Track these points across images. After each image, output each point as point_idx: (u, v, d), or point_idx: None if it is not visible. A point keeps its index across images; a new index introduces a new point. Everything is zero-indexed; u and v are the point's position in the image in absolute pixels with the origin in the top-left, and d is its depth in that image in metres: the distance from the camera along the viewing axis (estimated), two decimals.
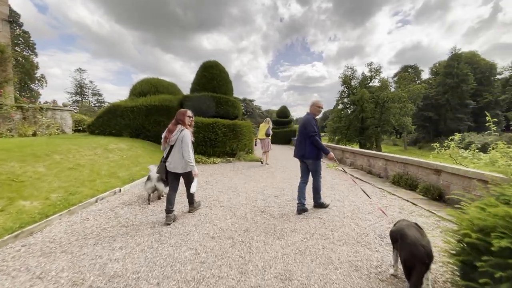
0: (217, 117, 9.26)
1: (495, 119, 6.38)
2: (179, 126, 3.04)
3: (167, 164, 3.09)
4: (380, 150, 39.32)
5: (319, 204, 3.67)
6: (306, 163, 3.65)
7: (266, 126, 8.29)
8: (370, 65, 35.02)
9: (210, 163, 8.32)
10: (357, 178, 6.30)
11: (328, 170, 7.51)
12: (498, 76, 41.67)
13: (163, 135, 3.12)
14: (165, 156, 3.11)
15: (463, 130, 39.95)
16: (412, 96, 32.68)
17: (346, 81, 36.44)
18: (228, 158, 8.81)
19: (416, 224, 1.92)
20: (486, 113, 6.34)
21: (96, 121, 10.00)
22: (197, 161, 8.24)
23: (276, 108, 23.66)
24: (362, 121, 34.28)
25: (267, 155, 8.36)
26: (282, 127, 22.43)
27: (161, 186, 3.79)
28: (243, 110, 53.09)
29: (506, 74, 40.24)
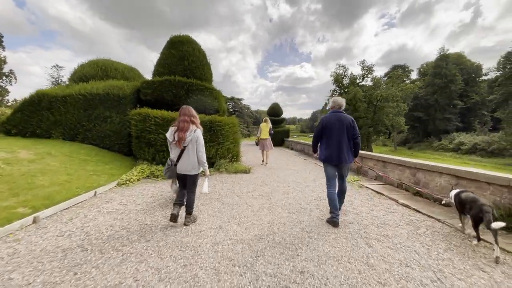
0: None
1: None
2: (192, 126, 2.83)
3: (178, 167, 2.87)
4: (371, 151, 38.29)
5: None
6: (340, 168, 3.11)
7: (268, 126, 7.92)
8: (363, 63, 33.73)
9: None
10: (403, 204, 3.92)
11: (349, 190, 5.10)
12: (484, 77, 42.20)
13: (169, 136, 2.86)
14: (174, 158, 2.88)
15: (451, 130, 40.01)
16: (404, 95, 31.79)
17: (338, 79, 34.94)
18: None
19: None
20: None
21: (13, 117, 6.91)
22: (154, 175, 5.51)
23: (265, 108, 20.97)
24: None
25: (268, 154, 8.11)
26: (274, 127, 19.91)
27: (175, 188, 3.32)
28: (231, 110, 50.35)
29: (492, 75, 40.75)
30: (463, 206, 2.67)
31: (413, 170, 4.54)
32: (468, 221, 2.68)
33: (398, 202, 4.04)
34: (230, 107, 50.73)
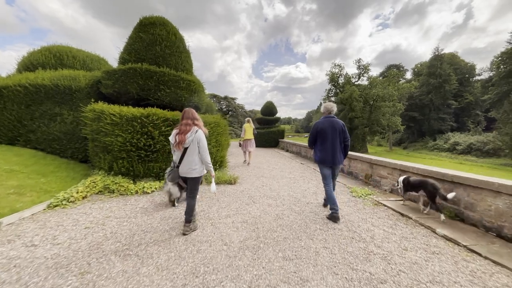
0: (160, 106, 5.27)
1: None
2: (193, 127, 2.72)
3: (180, 169, 2.75)
4: (366, 151, 37.57)
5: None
6: (334, 169, 3.41)
7: (251, 126, 8.09)
8: (358, 62, 32.97)
9: (133, 193, 4.32)
10: (446, 238, 2.77)
11: (360, 210, 3.94)
12: (478, 77, 42.30)
13: (171, 138, 2.77)
14: (176, 160, 2.76)
15: (446, 130, 39.87)
16: (400, 95, 31.23)
17: (333, 78, 34.09)
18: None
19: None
20: None
21: None
22: (109, 190, 4.21)
23: (260, 108, 19.49)
24: (350, 121, 32.08)
25: (251, 154, 8.23)
26: (268, 127, 18.55)
27: (175, 190, 3.48)
28: (224, 109, 48.91)
29: (485, 75, 40.87)
30: (413, 187, 3.52)
31: (449, 184, 3.39)
32: (422, 199, 3.57)
33: (436, 233, 2.88)
34: (223, 106, 49.33)
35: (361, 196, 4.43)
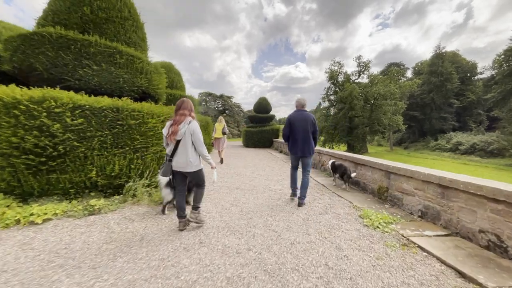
0: (87, 92, 3.62)
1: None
2: (187, 118, 2.52)
3: (173, 163, 2.54)
4: (366, 151, 36.09)
5: (304, 201, 3.57)
6: (303, 159, 3.64)
7: (222, 125, 8.28)
8: (359, 59, 31.49)
9: (10, 223, 2.65)
10: None
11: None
12: (480, 76, 41.07)
13: (165, 130, 2.54)
14: (169, 153, 2.53)
15: (448, 130, 38.53)
16: (402, 93, 29.80)
17: (333, 76, 32.54)
18: (93, 205, 3.13)
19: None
20: None
21: None
22: None
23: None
24: (350, 120, 30.56)
25: (222, 153, 8.40)
26: (261, 125, 16.78)
27: (166, 192, 3.00)
28: (220, 108, 47.17)
29: (488, 73, 39.64)
30: (335, 168, 4.78)
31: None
32: (337, 176, 4.81)
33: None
34: (220, 105, 47.57)
35: (378, 227, 2.80)
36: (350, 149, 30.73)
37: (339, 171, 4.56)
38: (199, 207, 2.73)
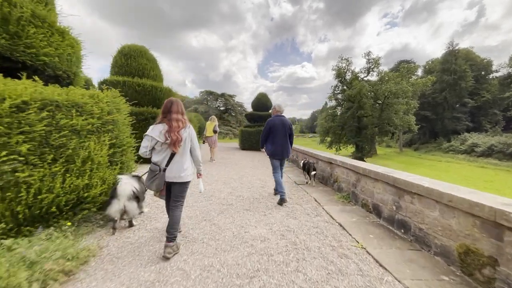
0: None
1: None
2: (186, 123, 2.30)
3: (167, 173, 2.20)
4: (375, 153, 34.34)
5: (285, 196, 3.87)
6: (282, 160, 4.04)
7: (213, 124, 8.29)
8: (368, 55, 29.76)
9: None
10: None
11: None
12: (495, 74, 38.82)
13: (158, 135, 2.13)
14: (162, 162, 2.19)
15: (461, 131, 36.44)
16: (415, 91, 27.97)
17: (340, 74, 30.82)
18: None
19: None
20: None
21: None
22: None
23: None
24: (359, 120, 28.86)
25: (214, 151, 8.51)
26: (259, 125, 13.62)
27: (133, 207, 2.60)
28: (222, 108, 45.81)
29: (504, 71, 37.43)
30: (304, 166, 5.35)
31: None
32: (306, 174, 5.29)
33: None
34: (221, 104, 46.16)
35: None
36: (359, 150, 29.09)
37: (307, 167, 5.27)
38: (176, 237, 2.24)
